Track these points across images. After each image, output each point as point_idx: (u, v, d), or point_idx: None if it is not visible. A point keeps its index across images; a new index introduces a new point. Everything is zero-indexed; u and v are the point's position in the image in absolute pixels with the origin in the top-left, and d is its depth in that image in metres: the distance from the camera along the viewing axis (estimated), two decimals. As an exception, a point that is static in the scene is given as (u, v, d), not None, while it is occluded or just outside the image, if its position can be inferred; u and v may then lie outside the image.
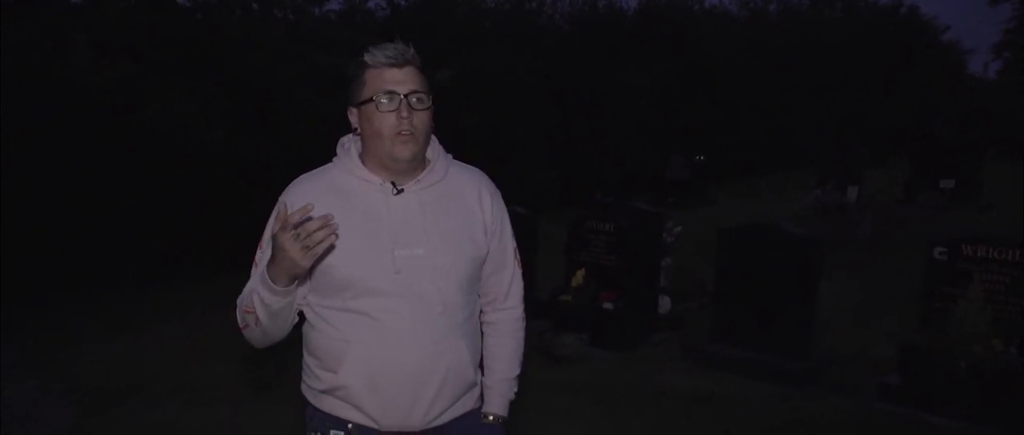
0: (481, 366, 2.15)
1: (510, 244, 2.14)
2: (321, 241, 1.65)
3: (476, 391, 2.10)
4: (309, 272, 1.86)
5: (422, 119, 1.90)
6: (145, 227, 9.37)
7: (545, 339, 5.84)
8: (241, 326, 1.93)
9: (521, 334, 2.21)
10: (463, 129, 11.82)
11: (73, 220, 8.84)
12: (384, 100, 1.86)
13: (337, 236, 1.69)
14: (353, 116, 1.96)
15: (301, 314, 2.00)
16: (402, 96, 1.86)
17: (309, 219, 1.65)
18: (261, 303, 1.81)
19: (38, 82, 8.23)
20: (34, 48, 8.10)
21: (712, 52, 18.78)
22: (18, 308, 7.59)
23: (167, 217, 9.59)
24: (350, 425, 1.97)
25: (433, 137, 2.04)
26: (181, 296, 8.28)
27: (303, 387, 2.07)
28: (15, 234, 8.28)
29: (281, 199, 1.95)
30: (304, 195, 1.90)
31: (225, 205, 9.66)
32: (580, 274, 6.30)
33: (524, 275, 2.24)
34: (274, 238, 1.68)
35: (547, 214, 10.28)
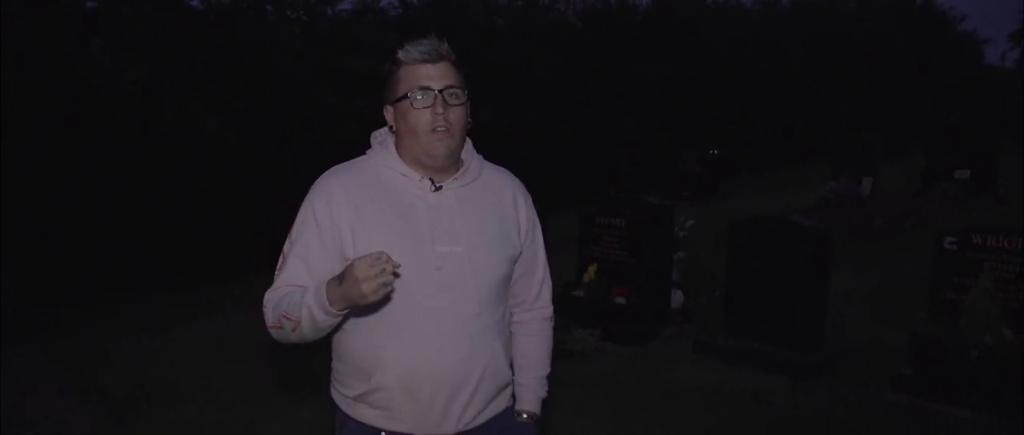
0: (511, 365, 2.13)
1: (540, 245, 2.13)
2: (389, 273, 1.62)
3: (509, 390, 2.09)
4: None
5: (457, 114, 1.88)
6: (163, 229, 9.45)
7: (557, 335, 5.86)
8: (271, 325, 1.88)
9: (550, 333, 2.21)
10: (477, 126, 11.86)
11: (91, 223, 8.93)
12: (419, 96, 1.85)
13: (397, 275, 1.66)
14: (389, 114, 1.94)
15: None
16: (437, 92, 1.85)
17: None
18: (310, 318, 1.77)
19: (57, 87, 8.33)
20: (52, 53, 8.20)
21: (725, 46, 18.72)
22: (36, 312, 7.68)
23: (185, 219, 9.68)
24: (383, 433, 1.95)
25: (467, 138, 2.02)
26: (200, 298, 8.35)
27: (334, 393, 2.05)
28: (32, 238, 8.38)
29: (316, 187, 1.93)
30: (342, 186, 1.90)
31: (243, 206, 9.75)
32: (592, 269, 6.32)
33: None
34: (353, 265, 1.63)
35: (560, 209, 10.31)
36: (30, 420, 5.11)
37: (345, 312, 1.76)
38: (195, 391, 5.45)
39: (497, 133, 12.97)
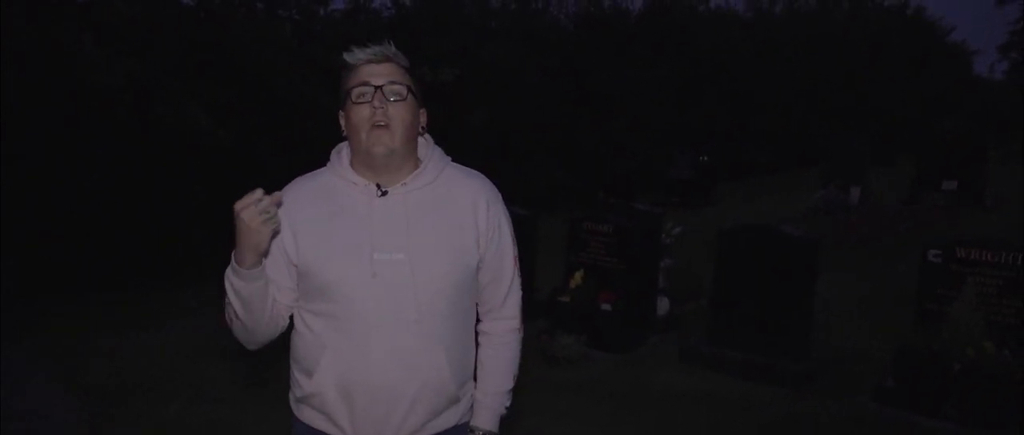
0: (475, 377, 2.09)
1: (509, 252, 2.04)
2: (269, 205, 1.70)
3: (462, 405, 2.02)
4: (268, 254, 1.85)
5: (398, 111, 1.85)
6: (153, 227, 9.44)
7: (543, 340, 5.88)
8: (227, 321, 1.93)
9: (516, 346, 2.11)
10: (469, 128, 11.86)
11: (81, 220, 8.92)
12: (358, 92, 1.85)
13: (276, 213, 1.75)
14: (341, 119, 1.94)
15: (291, 320, 1.99)
16: (375, 87, 1.84)
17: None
18: (232, 290, 1.83)
19: (54, 85, 8.32)
20: (51, 52, 8.18)
21: (718, 51, 18.75)
22: (25, 307, 7.67)
23: (175, 217, 9.66)
24: None
25: (429, 138, 2.00)
26: (187, 296, 8.33)
27: (290, 396, 2.05)
28: (23, 233, 8.36)
29: None
30: (292, 196, 1.92)
31: (228, 208, 9.72)
32: (579, 275, 6.33)
33: (523, 275, 2.16)
34: (234, 211, 1.72)
35: (550, 214, 10.32)
36: (16, 413, 5.10)
37: (258, 270, 1.80)
38: (183, 389, 5.45)
39: (489, 136, 12.98)
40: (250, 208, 1.70)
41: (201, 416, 4.99)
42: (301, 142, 10.11)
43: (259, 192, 1.72)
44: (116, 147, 9.02)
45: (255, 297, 1.84)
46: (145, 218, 9.36)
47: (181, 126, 8.77)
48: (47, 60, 8.14)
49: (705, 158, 15.04)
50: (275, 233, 1.80)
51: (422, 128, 1.97)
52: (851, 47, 22.83)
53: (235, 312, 1.87)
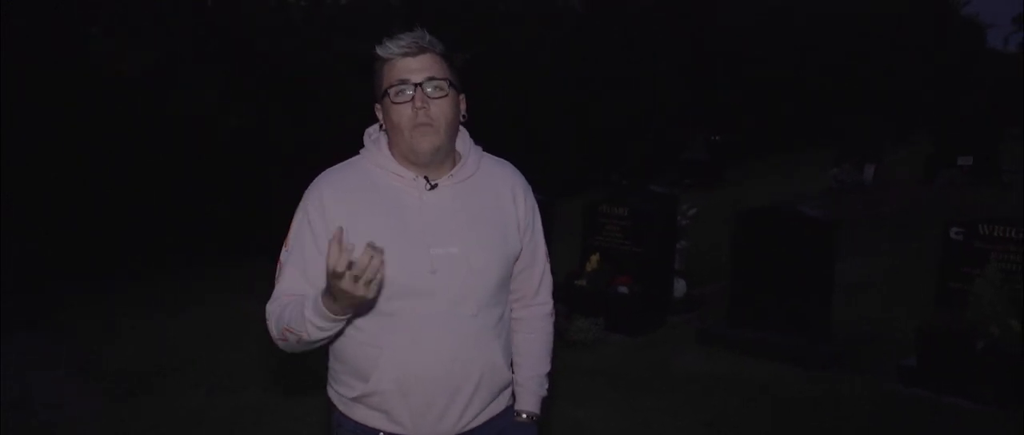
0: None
1: (542, 239, 2.07)
2: (378, 269, 1.53)
3: (509, 390, 2.05)
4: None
5: (441, 108, 1.80)
6: (171, 214, 9.49)
7: (560, 324, 5.84)
8: (276, 338, 1.85)
9: (550, 329, 2.15)
10: (489, 114, 11.82)
11: (101, 208, 8.98)
12: (397, 91, 1.79)
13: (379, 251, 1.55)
14: (378, 111, 1.89)
15: None
16: (415, 85, 1.78)
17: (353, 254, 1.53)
18: (315, 328, 1.71)
19: (64, 73, 8.36)
20: (69, 40, 8.24)
21: (732, 29, 18.57)
22: (46, 295, 7.72)
23: (193, 204, 9.70)
24: (380, 433, 1.93)
25: (463, 129, 1.96)
26: (206, 283, 8.37)
27: (330, 392, 2.02)
28: (44, 222, 8.42)
29: (310, 191, 1.88)
30: (335, 189, 1.85)
31: (250, 191, 9.77)
32: (595, 258, 6.30)
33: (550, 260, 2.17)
34: (330, 281, 1.56)
35: (565, 197, 10.28)
36: (37, 400, 5.13)
37: (350, 313, 1.71)
38: (204, 376, 5.46)
39: (504, 121, 12.93)
40: (346, 278, 1.51)
41: (225, 403, 4.99)
42: (320, 125, 10.11)
43: (363, 259, 1.51)
44: (133, 135, 9.06)
45: (336, 330, 1.76)
46: (162, 204, 9.41)
47: (196, 112, 8.82)
48: (65, 53, 8.20)
49: (717, 138, 14.96)
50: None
51: (463, 116, 1.92)
52: (863, 23, 22.57)
53: (300, 340, 1.77)
